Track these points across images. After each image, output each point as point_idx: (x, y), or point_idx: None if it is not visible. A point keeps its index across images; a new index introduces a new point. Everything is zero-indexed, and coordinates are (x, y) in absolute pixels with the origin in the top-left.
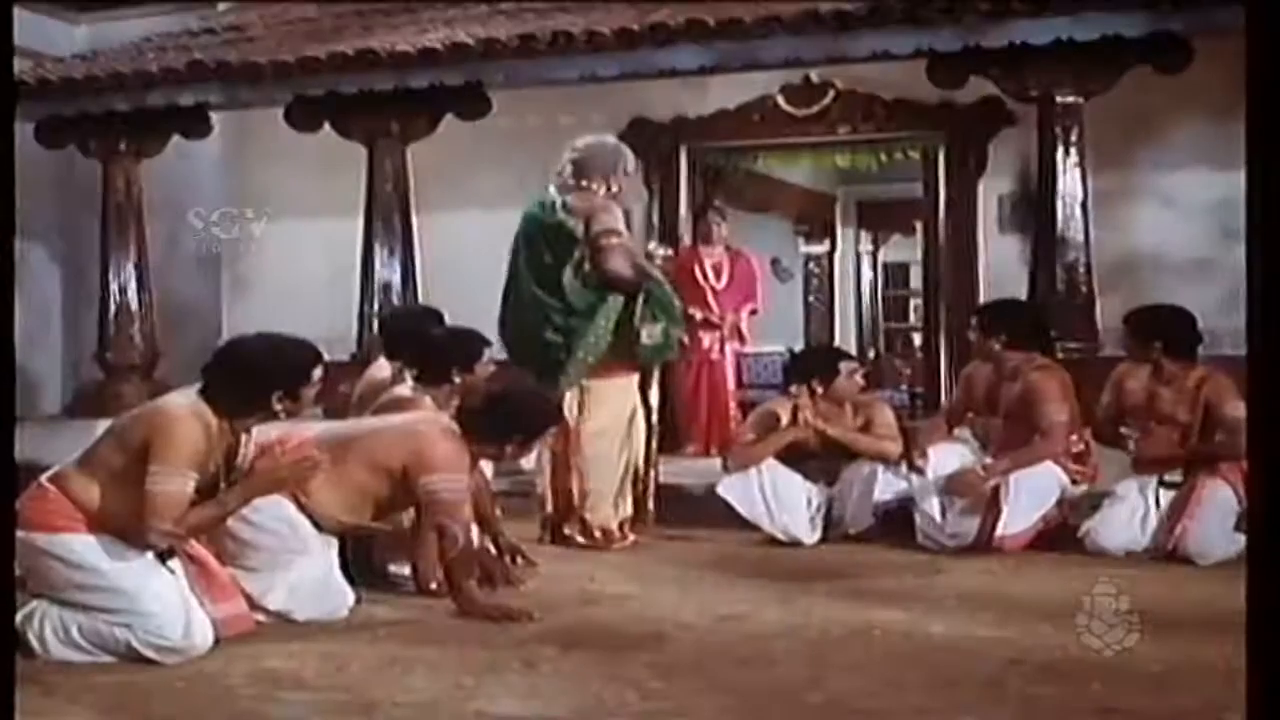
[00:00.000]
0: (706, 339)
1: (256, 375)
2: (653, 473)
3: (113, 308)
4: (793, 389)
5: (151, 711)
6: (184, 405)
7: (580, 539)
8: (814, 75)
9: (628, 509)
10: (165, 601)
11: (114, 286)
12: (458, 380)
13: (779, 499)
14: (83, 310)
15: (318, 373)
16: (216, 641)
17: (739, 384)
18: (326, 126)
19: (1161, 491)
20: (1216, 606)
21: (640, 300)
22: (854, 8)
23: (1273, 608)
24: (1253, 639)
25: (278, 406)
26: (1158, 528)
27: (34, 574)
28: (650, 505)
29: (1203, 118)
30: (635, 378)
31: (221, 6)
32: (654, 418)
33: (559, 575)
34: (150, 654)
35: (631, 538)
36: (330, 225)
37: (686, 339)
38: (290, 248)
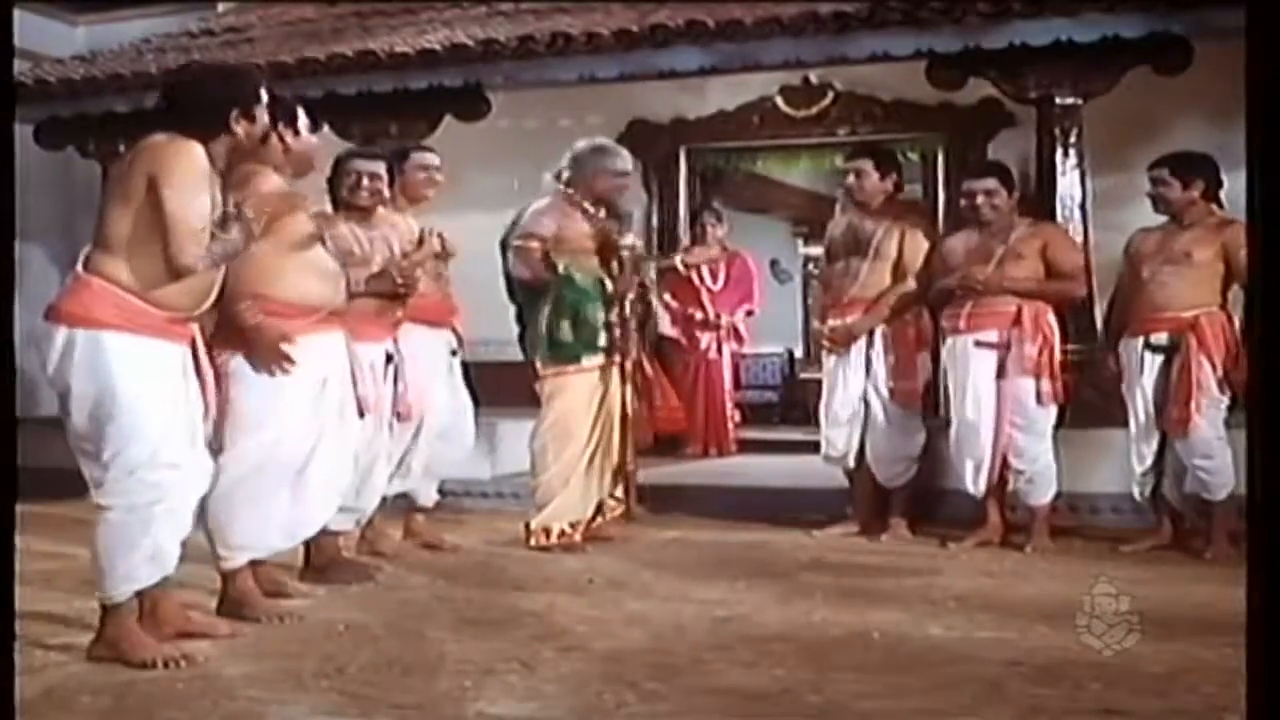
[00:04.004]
0: (704, 339)
1: (212, 94)
2: (616, 475)
3: None
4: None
5: (152, 713)
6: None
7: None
8: (813, 77)
9: (576, 511)
10: (166, 427)
11: None
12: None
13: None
14: None
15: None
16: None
17: (736, 385)
18: (326, 128)
19: (1148, 355)
20: (1216, 606)
21: (550, 301)
22: (854, 9)
23: (1273, 608)
24: (1253, 639)
25: (236, 128)
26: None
27: (63, 397)
28: (628, 506)
29: (1202, 119)
30: (583, 377)
31: (221, 8)
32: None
33: (558, 575)
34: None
35: (577, 538)
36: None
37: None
38: None
